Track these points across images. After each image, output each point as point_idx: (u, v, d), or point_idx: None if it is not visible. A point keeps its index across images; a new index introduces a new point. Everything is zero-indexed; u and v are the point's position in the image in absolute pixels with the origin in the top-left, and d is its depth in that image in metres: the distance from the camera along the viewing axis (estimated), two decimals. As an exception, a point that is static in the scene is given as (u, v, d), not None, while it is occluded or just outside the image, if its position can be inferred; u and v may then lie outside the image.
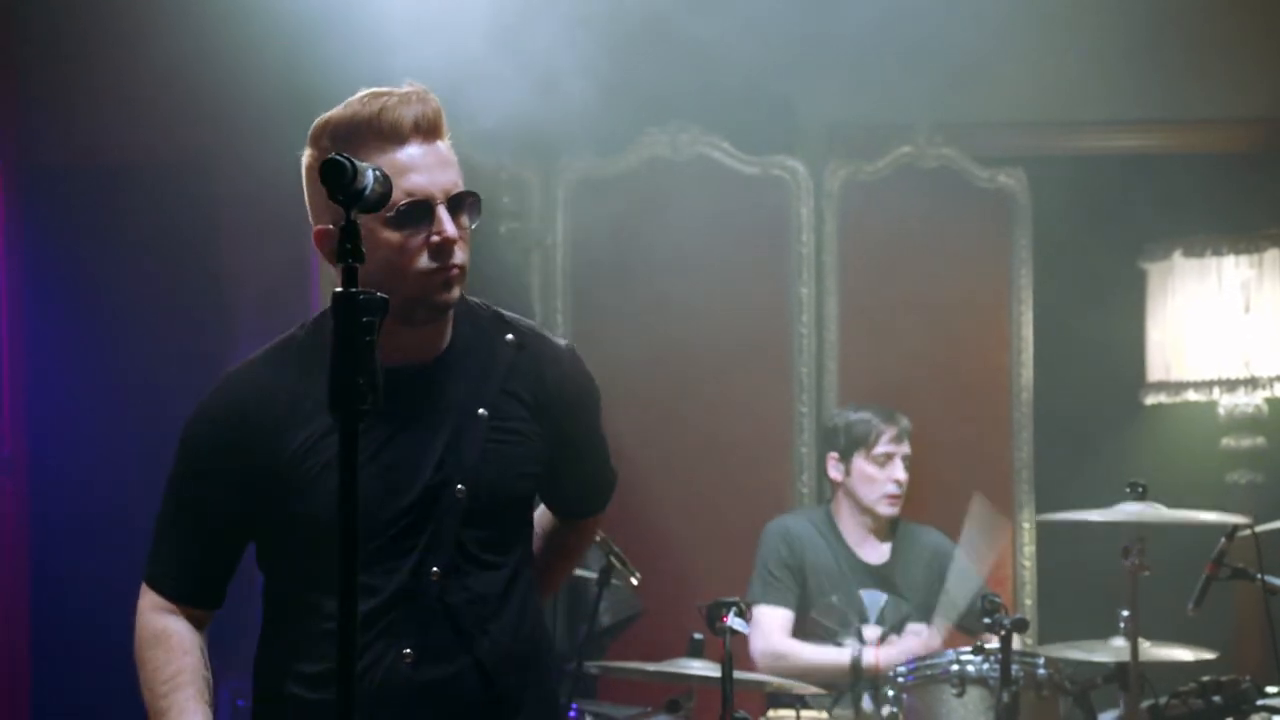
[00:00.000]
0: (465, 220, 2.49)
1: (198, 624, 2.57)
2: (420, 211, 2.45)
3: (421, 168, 2.45)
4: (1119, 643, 4.27)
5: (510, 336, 2.62)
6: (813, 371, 5.40)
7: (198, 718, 2.48)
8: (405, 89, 2.48)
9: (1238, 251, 5.25)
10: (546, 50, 4.61)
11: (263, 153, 5.31)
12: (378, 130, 2.44)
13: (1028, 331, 5.49)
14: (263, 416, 2.50)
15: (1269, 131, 5.77)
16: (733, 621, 3.60)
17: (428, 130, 2.47)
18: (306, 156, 2.49)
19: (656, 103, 5.44)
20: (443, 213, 2.45)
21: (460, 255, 2.47)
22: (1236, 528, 4.17)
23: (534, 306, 5.34)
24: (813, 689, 4.31)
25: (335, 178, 2.02)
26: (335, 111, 2.48)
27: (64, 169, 5.33)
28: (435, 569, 2.49)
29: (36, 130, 5.23)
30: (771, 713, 4.37)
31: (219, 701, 5.37)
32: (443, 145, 2.50)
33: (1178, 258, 5.34)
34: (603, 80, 4.63)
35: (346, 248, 2.01)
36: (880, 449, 4.77)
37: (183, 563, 2.56)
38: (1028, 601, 5.37)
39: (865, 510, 4.79)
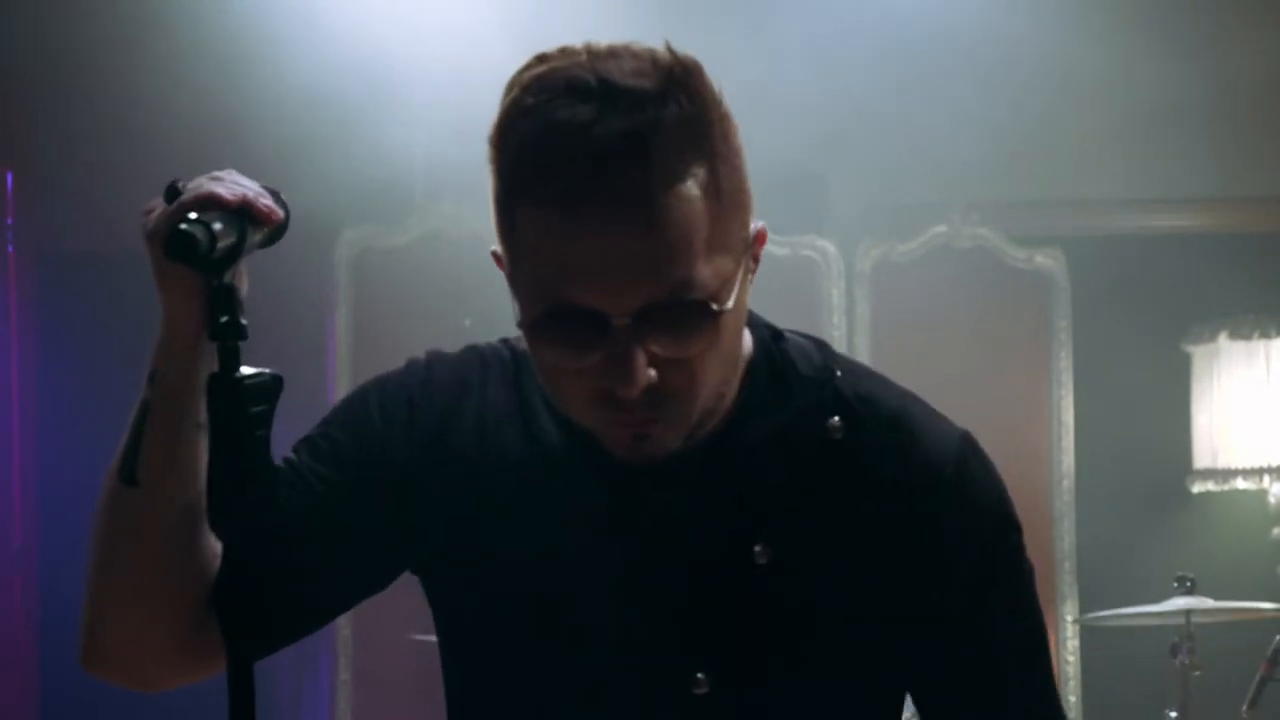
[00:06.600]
0: (686, 342, 1.46)
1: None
2: (577, 326, 1.43)
3: (582, 262, 1.41)
4: (1168, 745, 4.14)
5: (836, 420, 1.58)
6: (846, 458, 5.27)
7: None
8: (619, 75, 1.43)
9: (1287, 334, 5.13)
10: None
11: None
12: (525, 185, 1.42)
13: (1068, 417, 5.33)
14: (442, 431, 1.59)
15: (1316, 209, 5.64)
16: None
17: (616, 192, 1.40)
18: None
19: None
20: (623, 339, 1.42)
21: (669, 404, 1.47)
22: (1290, 624, 4.03)
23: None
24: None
25: (186, 255, 1.36)
26: (501, 124, 1.45)
27: (78, 256, 5.29)
28: None
29: (50, 217, 5.19)
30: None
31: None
32: (649, 211, 1.41)
33: (1223, 340, 5.19)
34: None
35: (220, 321, 1.38)
36: None
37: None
38: (1071, 699, 5.17)
39: None
